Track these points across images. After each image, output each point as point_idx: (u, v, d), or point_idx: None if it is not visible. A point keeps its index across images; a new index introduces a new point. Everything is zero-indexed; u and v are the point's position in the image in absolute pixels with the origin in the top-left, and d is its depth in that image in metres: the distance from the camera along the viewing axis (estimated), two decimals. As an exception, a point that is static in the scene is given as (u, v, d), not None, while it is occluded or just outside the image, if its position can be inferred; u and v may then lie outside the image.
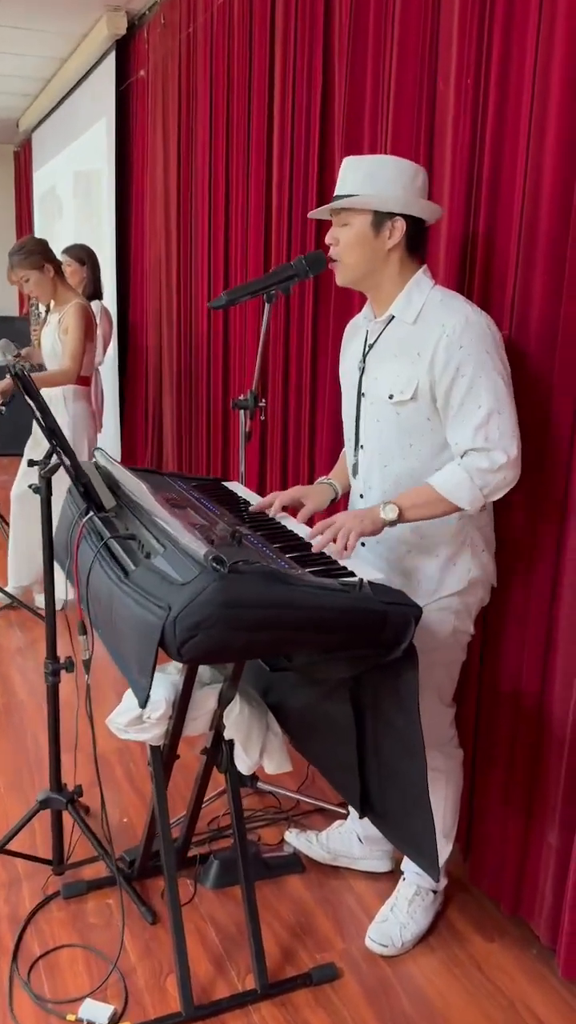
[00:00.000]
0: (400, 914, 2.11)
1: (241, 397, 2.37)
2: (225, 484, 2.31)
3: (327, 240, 1.87)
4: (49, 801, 2.21)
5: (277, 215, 3.16)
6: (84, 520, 1.87)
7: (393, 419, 1.84)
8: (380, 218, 1.80)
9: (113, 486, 1.97)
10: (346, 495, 2.11)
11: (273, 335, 3.10)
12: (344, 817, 2.48)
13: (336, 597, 1.46)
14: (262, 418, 2.40)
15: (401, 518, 1.76)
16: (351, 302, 2.56)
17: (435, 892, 2.15)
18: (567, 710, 1.89)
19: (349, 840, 2.33)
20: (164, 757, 1.94)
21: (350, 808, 2.35)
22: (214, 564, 1.40)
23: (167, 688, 1.86)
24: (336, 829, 2.37)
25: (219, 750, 1.98)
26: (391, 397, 1.82)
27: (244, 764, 1.97)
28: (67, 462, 1.85)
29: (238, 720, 1.89)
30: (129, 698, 1.89)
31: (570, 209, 1.79)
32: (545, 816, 2.01)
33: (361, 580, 1.53)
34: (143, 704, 1.45)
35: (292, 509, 2.05)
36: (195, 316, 4.20)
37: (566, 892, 1.91)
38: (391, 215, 1.79)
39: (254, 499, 2.11)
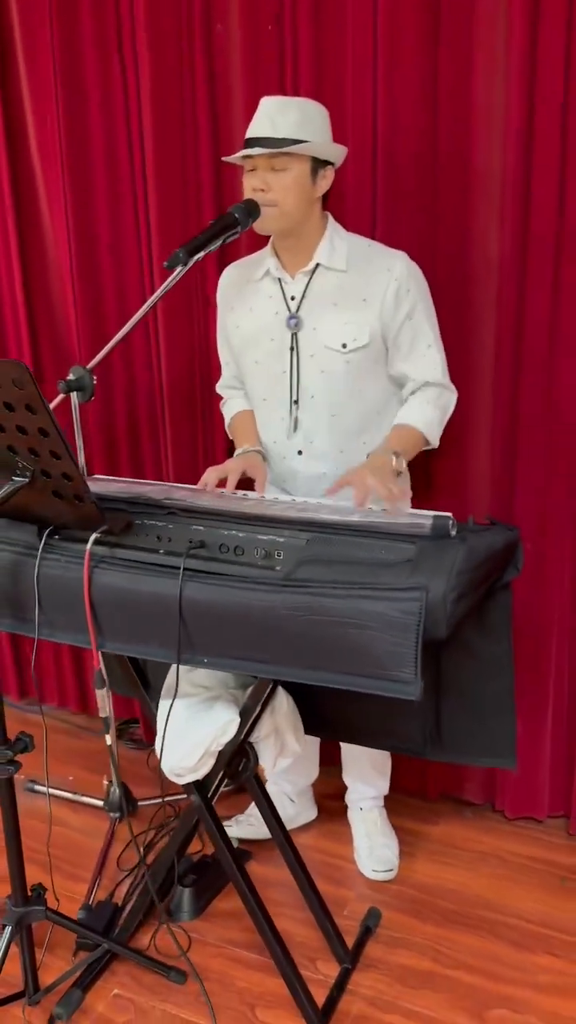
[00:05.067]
0: (379, 837, 2.23)
1: (71, 376, 2.00)
2: (100, 477, 1.98)
3: (257, 184, 1.74)
4: (27, 916, 1.73)
5: None
6: (89, 545, 1.50)
7: (342, 368, 1.84)
8: (317, 165, 1.75)
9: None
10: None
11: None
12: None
13: (490, 537, 1.51)
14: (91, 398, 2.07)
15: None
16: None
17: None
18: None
19: (282, 804, 2.31)
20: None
21: (270, 774, 2.32)
22: (453, 528, 1.34)
23: (229, 704, 1.65)
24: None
25: (243, 756, 1.81)
26: (344, 346, 1.82)
27: (272, 759, 1.84)
28: (74, 471, 1.43)
29: (288, 714, 1.76)
30: (188, 734, 1.63)
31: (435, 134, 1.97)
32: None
33: (467, 518, 1.58)
34: (418, 696, 1.30)
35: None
36: None
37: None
38: (325, 163, 1.76)
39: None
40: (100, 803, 2.42)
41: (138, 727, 2.77)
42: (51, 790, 2.47)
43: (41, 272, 2.54)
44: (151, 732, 2.71)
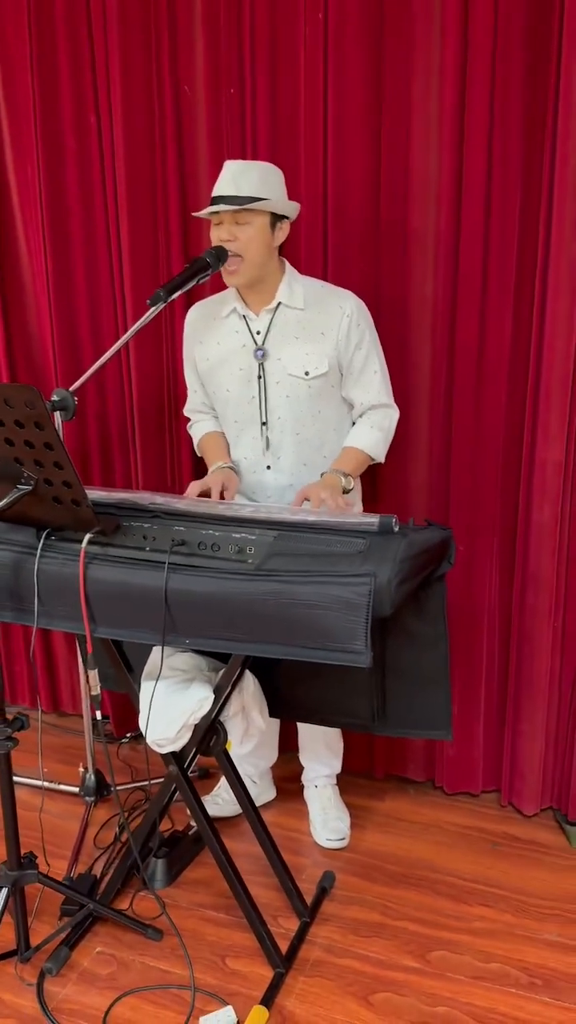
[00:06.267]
0: (333, 810, 2.49)
1: (55, 398, 2.23)
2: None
3: (225, 236, 2.01)
4: (21, 879, 1.94)
5: None
6: (84, 543, 1.74)
7: (304, 391, 2.12)
8: (275, 219, 2.03)
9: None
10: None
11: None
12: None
13: (428, 534, 1.79)
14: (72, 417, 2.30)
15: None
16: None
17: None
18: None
19: (247, 785, 2.55)
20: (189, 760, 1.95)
21: (237, 755, 2.56)
22: (396, 525, 1.62)
23: (204, 684, 1.89)
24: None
25: (214, 733, 2.05)
26: (307, 373, 2.10)
27: (240, 735, 2.08)
28: (74, 479, 1.67)
29: (255, 694, 2.01)
30: (168, 710, 1.86)
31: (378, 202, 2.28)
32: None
33: (408, 519, 1.86)
34: (368, 663, 1.56)
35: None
36: None
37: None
38: (283, 217, 2.04)
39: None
40: (76, 790, 2.63)
41: (108, 722, 2.98)
42: (30, 780, 2.66)
43: (19, 310, 2.76)
44: (121, 728, 2.94)
